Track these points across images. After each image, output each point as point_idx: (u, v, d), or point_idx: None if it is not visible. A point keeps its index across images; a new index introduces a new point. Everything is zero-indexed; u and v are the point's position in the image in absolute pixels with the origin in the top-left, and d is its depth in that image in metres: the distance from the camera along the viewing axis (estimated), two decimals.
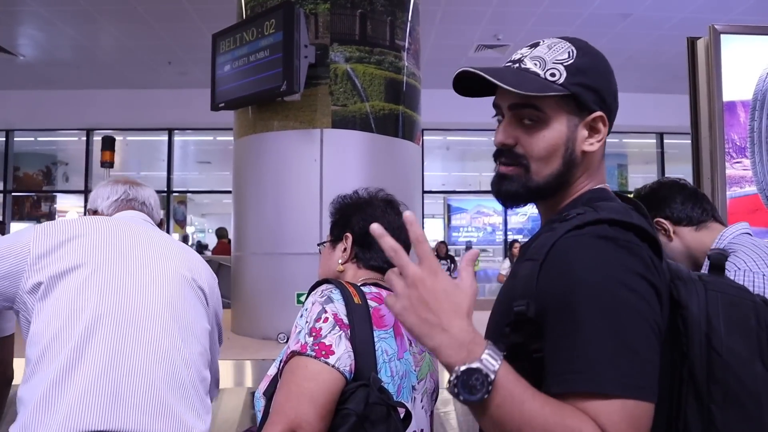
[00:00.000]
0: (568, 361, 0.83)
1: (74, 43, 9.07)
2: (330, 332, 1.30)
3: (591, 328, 0.83)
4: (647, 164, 13.00)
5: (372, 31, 4.21)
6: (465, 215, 13.62)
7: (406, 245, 1.64)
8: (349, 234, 1.59)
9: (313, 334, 1.30)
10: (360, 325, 1.33)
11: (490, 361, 0.79)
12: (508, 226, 13.07)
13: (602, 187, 1.06)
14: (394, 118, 4.30)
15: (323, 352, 1.27)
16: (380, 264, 1.56)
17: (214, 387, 1.66)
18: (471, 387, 0.77)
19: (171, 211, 13.24)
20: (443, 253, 11.27)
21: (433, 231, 13.90)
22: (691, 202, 1.92)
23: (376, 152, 4.22)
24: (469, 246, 13.25)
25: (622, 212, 0.95)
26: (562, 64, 1.00)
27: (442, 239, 12.66)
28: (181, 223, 14.75)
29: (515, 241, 10.35)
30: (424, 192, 12.41)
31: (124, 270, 1.45)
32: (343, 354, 1.28)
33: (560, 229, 0.93)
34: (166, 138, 12.06)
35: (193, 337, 1.49)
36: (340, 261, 1.60)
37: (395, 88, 4.31)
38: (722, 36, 3.56)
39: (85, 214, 1.83)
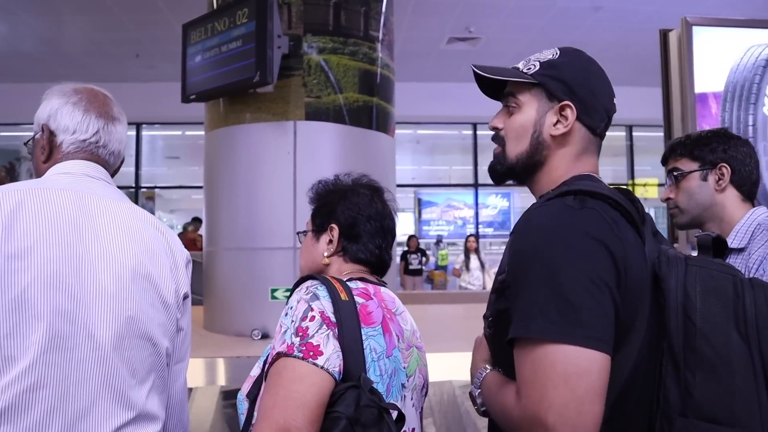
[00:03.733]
0: (514, 313, 0.96)
1: (38, 35, 8.83)
2: (317, 331, 1.23)
3: (529, 282, 0.94)
4: (616, 156, 13.15)
5: (346, 22, 4.14)
6: (435, 209, 13.62)
7: (392, 234, 1.58)
8: (335, 225, 1.50)
9: (300, 333, 1.22)
10: (348, 323, 1.26)
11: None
12: (479, 219, 13.09)
13: (588, 173, 1.15)
14: (368, 110, 4.25)
15: (311, 353, 1.20)
16: (367, 257, 1.49)
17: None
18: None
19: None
20: (414, 246, 11.27)
21: (404, 225, 13.86)
22: (755, 170, 1.77)
23: (350, 144, 4.17)
24: (439, 240, 13.25)
25: (591, 185, 1.05)
26: (539, 60, 1.16)
27: (413, 233, 12.64)
28: None
29: (471, 235, 10.38)
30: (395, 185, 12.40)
31: (68, 270, 1.18)
32: (331, 354, 1.21)
33: (535, 204, 1.07)
34: (134, 133, 11.83)
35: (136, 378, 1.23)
36: (325, 254, 1.51)
37: (369, 79, 4.26)
38: (694, 28, 3.58)
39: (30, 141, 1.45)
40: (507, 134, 1.18)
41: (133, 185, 12.06)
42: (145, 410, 1.23)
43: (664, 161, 1.89)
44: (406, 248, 11.39)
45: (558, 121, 1.14)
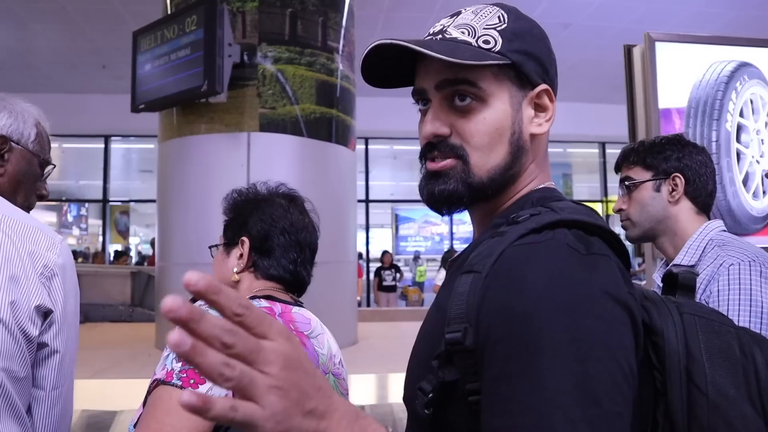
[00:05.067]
0: (511, 414, 0.64)
1: (3, 45, 8.64)
2: None
3: (544, 371, 0.63)
4: (591, 173, 13.17)
5: (303, 31, 4.04)
6: (413, 225, 13.55)
7: (311, 247, 1.43)
8: (245, 238, 1.37)
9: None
10: None
11: None
12: (455, 236, 13.03)
13: (549, 186, 0.88)
14: (327, 122, 4.13)
15: (191, 381, 1.06)
16: (280, 273, 1.36)
17: None
18: None
19: (110, 222, 12.78)
20: (388, 262, 11.14)
21: (381, 241, 13.75)
22: (711, 180, 1.65)
23: (307, 157, 4.05)
24: (417, 255, 13.16)
25: (584, 212, 0.78)
26: (494, 28, 0.82)
27: (390, 249, 12.53)
28: (124, 234, 14.25)
29: (452, 249, 10.12)
30: (369, 201, 12.33)
31: None
32: None
33: (511, 233, 0.74)
34: (102, 145, 11.63)
35: None
36: (235, 270, 1.38)
37: (328, 90, 4.15)
38: (657, 44, 3.54)
39: None
40: (471, 140, 0.82)
41: (101, 199, 11.81)
42: None
43: (617, 169, 1.78)
44: (380, 264, 11.25)
45: (537, 113, 0.86)
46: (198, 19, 3.68)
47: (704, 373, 0.74)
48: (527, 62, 0.83)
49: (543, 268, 0.68)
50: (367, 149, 11.88)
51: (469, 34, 0.82)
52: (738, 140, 3.60)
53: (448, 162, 0.82)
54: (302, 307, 1.36)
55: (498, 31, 0.82)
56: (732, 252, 1.49)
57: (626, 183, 1.70)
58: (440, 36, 0.84)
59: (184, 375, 1.06)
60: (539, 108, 0.86)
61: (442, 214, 0.87)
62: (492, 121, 0.82)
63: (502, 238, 0.74)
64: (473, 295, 0.71)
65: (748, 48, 3.70)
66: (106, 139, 11.59)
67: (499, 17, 0.84)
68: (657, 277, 1.71)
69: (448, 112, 0.83)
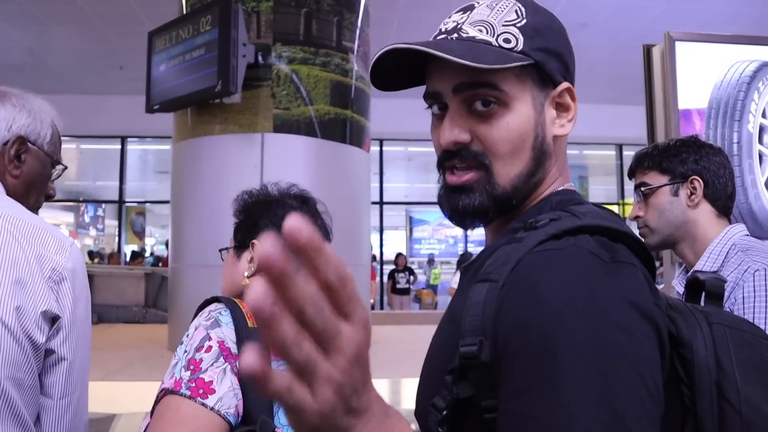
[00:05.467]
0: (520, 420, 0.60)
1: (21, 46, 8.73)
2: (212, 365, 1.04)
3: (566, 387, 0.59)
4: (607, 176, 13.05)
5: (317, 31, 4.01)
6: (427, 227, 13.50)
7: None
8: (256, 241, 1.32)
9: (191, 367, 1.04)
10: None
11: None
12: (469, 239, 12.95)
13: (569, 188, 0.83)
14: (341, 123, 4.10)
15: (200, 391, 1.02)
16: None
17: None
18: None
19: (126, 222, 12.86)
20: (402, 265, 11.09)
21: (395, 243, 13.72)
22: (730, 182, 1.60)
23: (321, 158, 4.02)
24: (431, 258, 13.11)
25: (608, 217, 0.73)
26: (514, 25, 0.76)
27: (403, 251, 12.49)
28: (140, 234, 14.35)
29: (470, 253, 9.98)
30: (384, 203, 12.30)
31: None
32: (226, 393, 1.03)
33: (530, 239, 0.69)
34: (119, 146, 11.71)
35: None
36: (246, 274, 1.32)
37: (342, 91, 4.12)
38: (677, 43, 3.47)
39: None
40: (494, 148, 0.76)
41: (117, 199, 11.89)
42: None
43: (631, 174, 1.72)
44: (393, 266, 11.21)
45: (559, 114, 0.80)
46: (213, 19, 3.67)
47: (736, 387, 0.69)
48: (550, 60, 0.78)
49: (563, 277, 0.64)
50: (381, 151, 11.85)
51: (487, 33, 0.77)
52: (760, 141, 3.52)
53: (472, 175, 0.77)
54: None
55: (518, 27, 0.77)
56: (757, 257, 1.43)
57: (642, 189, 1.64)
58: (455, 35, 0.78)
59: (193, 384, 1.02)
60: (561, 108, 0.81)
61: (466, 229, 0.82)
62: (516, 127, 0.76)
63: (519, 245, 0.69)
64: (489, 306, 0.66)
65: None
66: (123, 140, 11.66)
67: (516, 12, 0.78)
68: (677, 284, 1.66)
69: (467, 117, 0.77)
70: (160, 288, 6.37)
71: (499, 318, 0.65)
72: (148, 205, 14.64)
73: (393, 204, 13.17)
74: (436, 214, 13.43)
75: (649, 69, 3.59)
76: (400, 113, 10.29)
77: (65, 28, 8.12)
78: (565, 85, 0.80)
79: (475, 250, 12.39)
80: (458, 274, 9.20)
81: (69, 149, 13.23)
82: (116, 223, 13.51)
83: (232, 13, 3.56)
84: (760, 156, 3.52)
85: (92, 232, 14.95)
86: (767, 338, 0.75)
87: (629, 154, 12.37)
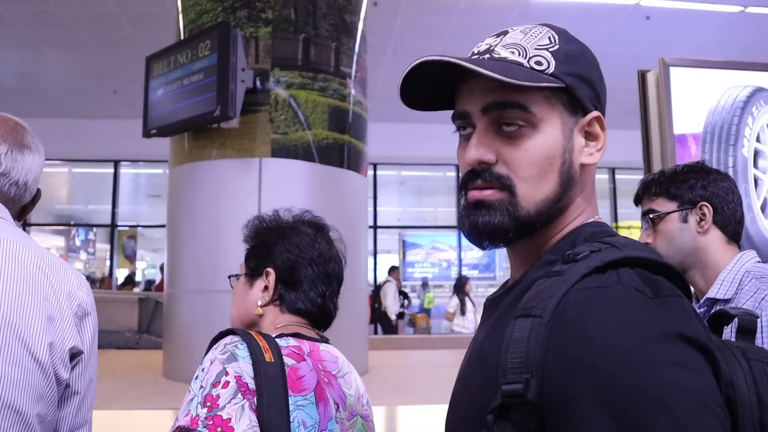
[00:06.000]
0: None
1: (15, 70, 8.72)
2: (230, 402, 1.01)
3: (629, 420, 0.58)
4: (601, 199, 13.09)
5: (316, 57, 4.03)
6: (420, 251, 13.46)
7: (339, 279, 1.34)
8: (271, 269, 1.29)
9: (208, 403, 1.01)
10: (271, 391, 1.05)
11: None
12: (463, 262, 12.92)
13: (599, 220, 0.82)
14: (339, 147, 4.10)
15: (218, 429, 0.98)
16: (307, 307, 1.28)
17: None
18: None
19: (118, 246, 12.77)
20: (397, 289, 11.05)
21: (388, 267, 13.67)
22: (739, 207, 1.58)
23: (319, 183, 4.01)
24: (425, 282, 13.05)
25: (648, 250, 0.72)
26: (547, 49, 0.77)
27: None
28: (131, 258, 14.23)
29: (466, 277, 9.86)
30: (377, 227, 12.28)
31: None
32: (245, 431, 1.00)
33: (572, 273, 0.67)
34: (112, 170, 11.67)
35: None
36: (259, 303, 1.29)
37: (340, 116, 4.12)
38: (672, 69, 3.51)
39: None
40: (519, 170, 0.75)
41: (110, 223, 11.82)
42: None
43: (637, 201, 1.70)
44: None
45: (587, 143, 0.80)
46: (211, 44, 3.67)
47: None
48: (580, 86, 0.78)
49: (612, 317, 0.63)
50: (375, 175, 11.87)
51: (519, 54, 0.76)
52: (755, 166, 3.54)
53: (494, 193, 0.76)
54: (329, 343, 1.29)
55: (550, 52, 0.77)
56: None
57: (651, 216, 1.62)
58: (487, 55, 0.78)
59: (211, 422, 0.99)
60: (590, 136, 0.80)
61: (483, 248, 0.80)
62: (542, 150, 0.75)
63: (561, 278, 0.68)
64: (535, 343, 0.64)
65: (764, 73, 3.66)
66: (116, 164, 11.62)
67: (549, 38, 0.78)
68: None
69: (494, 138, 0.76)
70: (154, 313, 6.30)
71: (547, 356, 0.64)
72: (139, 228, 14.55)
73: (386, 228, 13.14)
74: (428, 237, 13.43)
75: (644, 94, 3.62)
76: (393, 137, 10.35)
77: (60, 52, 8.12)
78: (595, 113, 0.79)
79: (469, 273, 12.36)
80: (455, 299, 9.19)
81: (61, 173, 13.18)
82: (107, 246, 13.41)
83: (231, 39, 3.57)
84: (756, 180, 3.54)
85: (83, 255, 14.83)
86: None
87: (622, 177, 12.44)
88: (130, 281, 12.11)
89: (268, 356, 1.08)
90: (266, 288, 1.29)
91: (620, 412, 0.58)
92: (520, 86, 0.72)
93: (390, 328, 9.71)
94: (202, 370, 1.07)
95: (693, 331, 0.63)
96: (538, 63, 0.76)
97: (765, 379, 0.71)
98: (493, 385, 0.66)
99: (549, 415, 0.63)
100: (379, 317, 10.08)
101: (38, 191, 1.34)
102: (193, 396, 1.04)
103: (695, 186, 1.58)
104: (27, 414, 1.04)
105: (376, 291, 10.34)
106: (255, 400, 1.03)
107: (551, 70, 0.76)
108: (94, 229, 14.98)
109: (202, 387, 1.04)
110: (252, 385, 1.04)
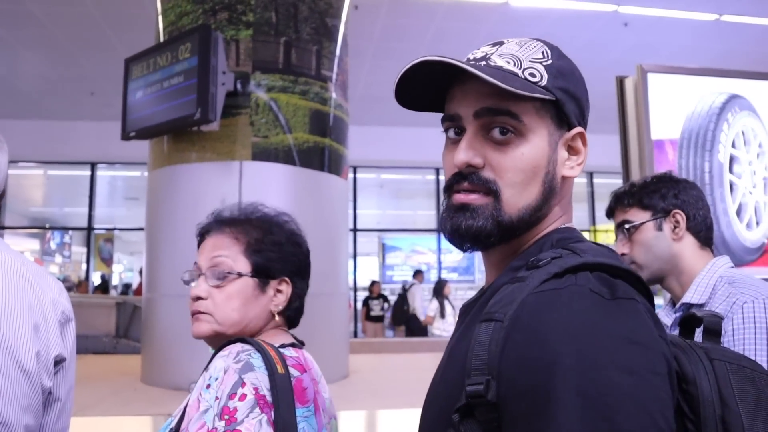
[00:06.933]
0: None
1: None
2: (248, 415, 0.97)
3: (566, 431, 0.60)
4: (578, 202, 13.23)
5: (297, 60, 4.02)
6: (399, 254, 13.47)
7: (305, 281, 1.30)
8: (287, 279, 1.23)
9: (226, 416, 0.97)
10: (285, 404, 1.01)
11: None
12: (443, 265, 12.95)
13: (571, 227, 0.84)
14: (320, 151, 4.09)
15: None
16: (293, 314, 1.25)
17: None
18: None
19: (94, 249, 12.61)
20: (376, 292, 11.04)
21: (368, 270, 13.66)
22: (708, 213, 1.63)
23: (300, 186, 3.99)
24: (405, 285, 13.06)
25: (608, 255, 0.74)
26: (540, 63, 0.80)
27: (375, 278, 12.43)
28: (107, 261, 14.05)
29: (445, 280, 9.84)
30: (357, 230, 12.27)
31: None
32: None
33: (533, 279, 0.70)
34: (88, 173, 11.53)
35: None
36: (278, 309, 1.21)
37: (321, 119, 4.12)
38: (649, 75, 3.56)
39: None
40: (505, 176, 0.78)
41: (86, 226, 11.66)
42: None
43: (610, 214, 1.73)
44: (368, 294, 11.15)
45: (569, 156, 0.83)
46: (192, 46, 3.64)
47: (741, 423, 0.70)
48: (569, 102, 0.81)
49: (564, 317, 0.65)
50: (355, 178, 11.87)
51: (514, 65, 0.79)
52: (731, 171, 3.61)
53: (479, 198, 0.78)
54: (303, 346, 1.28)
55: (544, 66, 0.80)
56: (745, 290, 1.45)
57: (626, 226, 1.66)
58: (484, 62, 0.80)
59: None
60: (572, 151, 0.84)
61: (463, 251, 0.82)
62: (529, 158, 0.78)
63: (522, 284, 0.71)
64: (495, 345, 0.67)
65: (739, 80, 3.73)
66: (93, 166, 11.48)
67: (543, 53, 0.81)
68: (663, 316, 1.67)
69: (483, 143, 0.79)
70: (132, 318, 6.23)
71: (503, 358, 0.66)
72: (116, 231, 14.38)
73: (366, 231, 13.14)
74: (408, 240, 13.44)
75: (622, 100, 3.68)
76: (373, 140, 10.36)
77: (36, 53, 8.01)
78: (578, 129, 0.83)
79: (448, 276, 12.39)
80: (434, 302, 9.20)
81: (36, 175, 12.99)
82: (83, 249, 13.23)
83: (211, 41, 3.55)
84: (731, 185, 3.60)
85: (58, 258, 14.61)
86: (765, 372, 0.75)
87: (599, 181, 12.58)
88: (103, 288, 11.87)
89: (280, 368, 1.05)
90: (279, 292, 1.23)
91: (559, 411, 0.60)
92: (514, 95, 0.74)
93: (420, 329, 9.69)
94: (216, 379, 1.01)
95: (645, 335, 0.65)
96: (532, 75, 0.78)
97: (727, 377, 0.73)
98: (459, 386, 0.69)
99: (503, 414, 0.65)
100: (407, 319, 10.12)
101: (4, 191, 1.31)
102: (208, 407, 0.99)
103: (667, 195, 1.63)
104: (14, 425, 1.02)
105: (403, 295, 10.41)
106: (272, 413, 1.00)
107: (544, 83, 0.78)
108: (70, 232, 14.77)
109: (217, 398, 0.99)
110: (269, 397, 1.00)
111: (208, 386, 1.02)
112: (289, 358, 1.10)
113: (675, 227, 1.60)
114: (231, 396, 0.98)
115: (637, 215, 1.64)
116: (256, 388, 1.00)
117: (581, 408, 0.59)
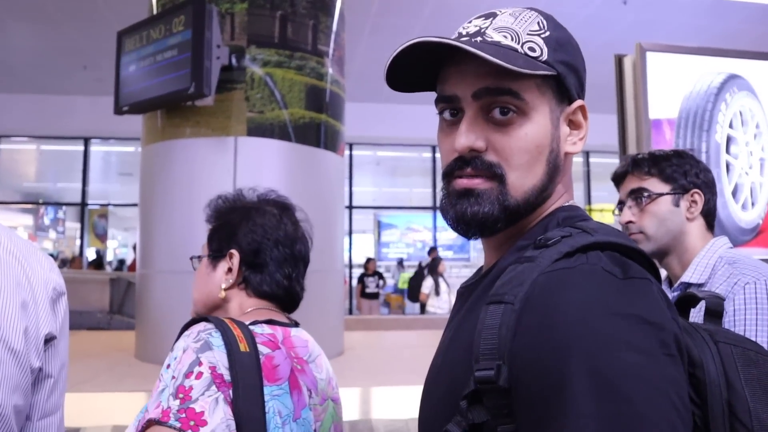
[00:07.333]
0: None
1: None
2: (203, 394, 0.96)
3: (584, 414, 0.57)
4: (575, 181, 13.20)
5: (293, 34, 3.96)
6: (395, 231, 13.49)
7: (305, 260, 1.30)
8: (234, 251, 1.25)
9: (180, 395, 0.96)
10: (246, 383, 1.00)
11: None
12: (438, 243, 12.97)
13: (574, 204, 0.81)
14: (316, 127, 4.05)
15: (191, 423, 0.94)
16: (273, 290, 1.24)
17: None
18: None
19: (88, 225, 12.57)
20: (372, 269, 11.06)
21: (364, 247, 13.68)
22: (715, 197, 1.62)
23: (296, 163, 3.96)
24: (400, 261, 13.09)
25: (619, 234, 0.72)
26: (539, 35, 0.75)
27: (371, 255, 12.45)
28: (102, 237, 14.02)
29: (440, 258, 9.81)
30: (353, 207, 12.26)
31: None
32: (218, 425, 0.95)
33: (543, 258, 0.67)
34: (82, 148, 11.44)
35: None
36: (223, 286, 1.25)
37: (317, 95, 4.07)
38: (648, 53, 3.53)
39: None
40: (510, 159, 0.74)
41: (80, 202, 11.60)
42: None
43: (621, 178, 1.68)
44: (363, 271, 11.17)
45: (571, 131, 0.80)
46: (186, 19, 3.58)
47: (747, 407, 0.68)
48: (569, 75, 0.77)
49: (577, 297, 0.63)
50: (351, 155, 11.81)
51: (512, 39, 0.74)
52: (728, 151, 3.59)
53: (483, 182, 0.74)
54: (298, 326, 1.26)
55: (542, 38, 0.75)
56: (745, 270, 1.44)
57: (644, 194, 1.62)
58: (479, 38, 0.75)
59: (183, 415, 0.94)
60: (573, 125, 0.80)
61: (469, 238, 0.78)
62: (533, 138, 0.74)
63: (532, 264, 0.68)
64: (506, 329, 0.64)
65: (738, 60, 3.70)
66: (86, 141, 11.39)
67: (539, 23, 0.77)
68: None
69: (484, 125, 0.74)
70: (126, 293, 6.22)
71: (515, 341, 0.63)
72: (110, 207, 14.33)
73: (362, 208, 13.13)
74: (404, 217, 13.45)
75: (620, 78, 3.64)
76: (369, 117, 10.30)
77: (26, 25, 7.88)
78: (579, 102, 0.79)
79: (443, 254, 12.41)
80: (429, 279, 9.20)
81: (29, 150, 12.89)
82: (77, 225, 13.19)
83: (206, 14, 3.48)
84: (728, 165, 3.59)
85: (52, 234, 14.56)
86: (766, 353, 0.74)
87: (596, 160, 12.56)
88: (98, 263, 11.83)
89: (243, 345, 1.03)
90: (230, 270, 1.25)
91: (574, 395, 0.58)
92: (516, 73, 0.70)
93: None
94: (174, 358, 1.01)
95: (658, 315, 0.63)
96: (532, 49, 0.74)
97: (732, 360, 0.71)
98: (466, 371, 0.66)
99: (516, 399, 0.63)
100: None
101: None
102: (165, 386, 0.98)
103: (690, 172, 1.59)
104: (3, 405, 1.01)
105: (420, 272, 10.35)
106: (230, 392, 0.99)
107: (544, 57, 0.74)
108: (64, 207, 14.70)
109: (174, 377, 0.98)
110: (227, 376, 0.99)
111: (168, 366, 1.01)
112: (260, 335, 1.09)
113: (691, 206, 1.58)
114: (187, 375, 0.97)
115: (656, 186, 1.59)
116: (212, 367, 0.99)
117: (596, 390, 0.58)
